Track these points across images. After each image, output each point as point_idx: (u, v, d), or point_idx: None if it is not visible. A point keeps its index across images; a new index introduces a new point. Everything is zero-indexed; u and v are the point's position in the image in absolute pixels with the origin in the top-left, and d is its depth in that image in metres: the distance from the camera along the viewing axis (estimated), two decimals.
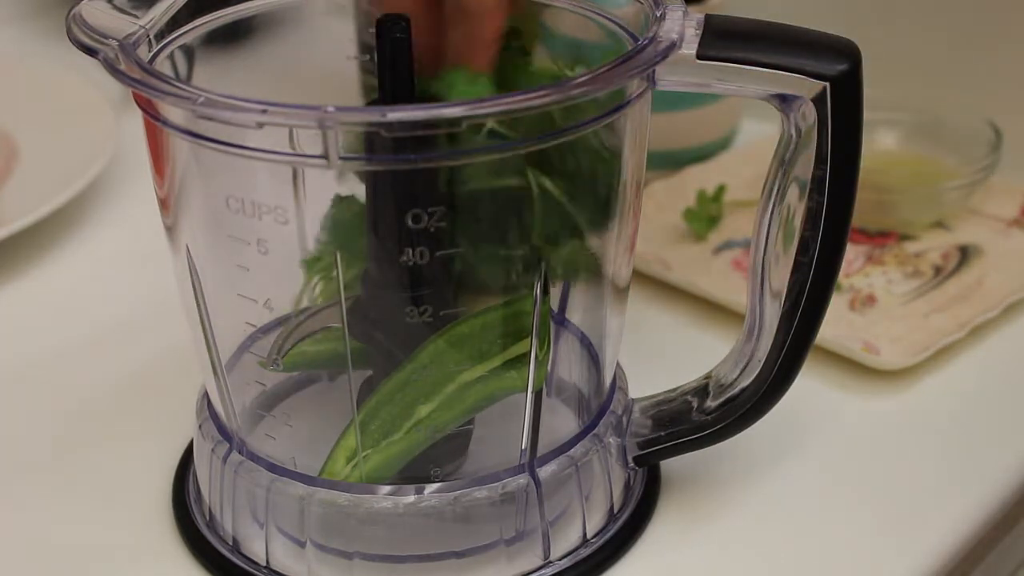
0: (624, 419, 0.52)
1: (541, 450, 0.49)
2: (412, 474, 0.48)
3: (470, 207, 0.45)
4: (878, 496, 0.54)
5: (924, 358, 0.60)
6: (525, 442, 0.48)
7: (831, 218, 0.46)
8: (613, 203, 0.47)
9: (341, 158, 0.41)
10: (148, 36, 0.46)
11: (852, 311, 0.64)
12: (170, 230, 0.48)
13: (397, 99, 0.45)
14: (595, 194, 0.47)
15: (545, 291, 0.46)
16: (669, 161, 0.76)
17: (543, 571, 0.50)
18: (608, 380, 0.52)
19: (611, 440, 0.51)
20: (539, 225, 0.46)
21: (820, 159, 0.45)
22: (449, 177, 0.44)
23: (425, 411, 0.47)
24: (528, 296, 0.46)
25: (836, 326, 0.62)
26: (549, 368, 0.49)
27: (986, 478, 0.55)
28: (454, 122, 0.40)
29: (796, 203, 0.46)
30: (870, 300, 0.65)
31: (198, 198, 0.47)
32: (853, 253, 0.68)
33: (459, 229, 0.45)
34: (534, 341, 0.47)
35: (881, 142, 0.74)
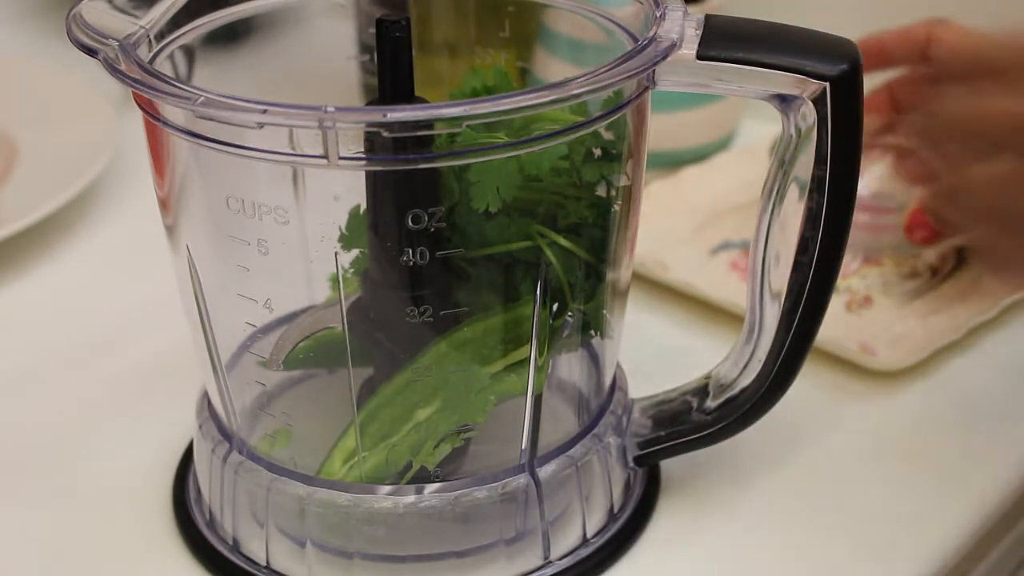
0: (624, 419, 0.52)
1: (541, 450, 0.49)
2: (412, 474, 0.48)
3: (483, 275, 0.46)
4: (876, 495, 0.54)
5: (921, 359, 0.60)
6: (525, 442, 0.48)
7: (831, 218, 0.46)
8: (614, 220, 0.48)
9: (341, 158, 0.41)
10: (148, 36, 0.46)
11: (849, 312, 0.65)
12: (170, 230, 0.48)
13: (397, 99, 0.45)
14: (604, 235, 0.48)
15: (545, 297, 0.46)
16: (668, 161, 0.76)
17: (543, 571, 0.50)
18: (608, 380, 0.52)
19: (611, 440, 0.51)
20: (562, 278, 0.46)
21: (820, 159, 0.45)
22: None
23: (424, 415, 0.47)
24: (528, 302, 0.46)
25: (833, 327, 0.62)
26: (549, 369, 0.49)
27: (985, 478, 0.55)
28: (453, 122, 0.40)
29: (796, 203, 0.46)
30: (867, 301, 0.65)
31: (198, 198, 0.47)
32: (850, 253, 0.68)
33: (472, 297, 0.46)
34: (534, 347, 0.47)
35: None
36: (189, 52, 0.49)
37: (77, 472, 0.56)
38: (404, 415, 0.47)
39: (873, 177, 0.68)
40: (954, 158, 0.56)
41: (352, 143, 0.41)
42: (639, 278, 0.66)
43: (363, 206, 0.46)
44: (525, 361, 0.47)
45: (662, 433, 0.51)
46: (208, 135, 0.42)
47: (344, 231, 0.47)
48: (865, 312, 0.65)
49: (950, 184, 0.57)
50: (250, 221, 0.44)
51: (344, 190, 0.47)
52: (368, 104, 0.46)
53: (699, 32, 0.44)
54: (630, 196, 0.48)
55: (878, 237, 0.69)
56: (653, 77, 0.44)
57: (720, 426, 0.51)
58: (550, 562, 0.50)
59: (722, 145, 0.79)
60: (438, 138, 0.42)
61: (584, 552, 0.50)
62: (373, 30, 0.45)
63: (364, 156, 0.42)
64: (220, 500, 0.50)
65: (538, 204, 0.46)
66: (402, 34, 0.44)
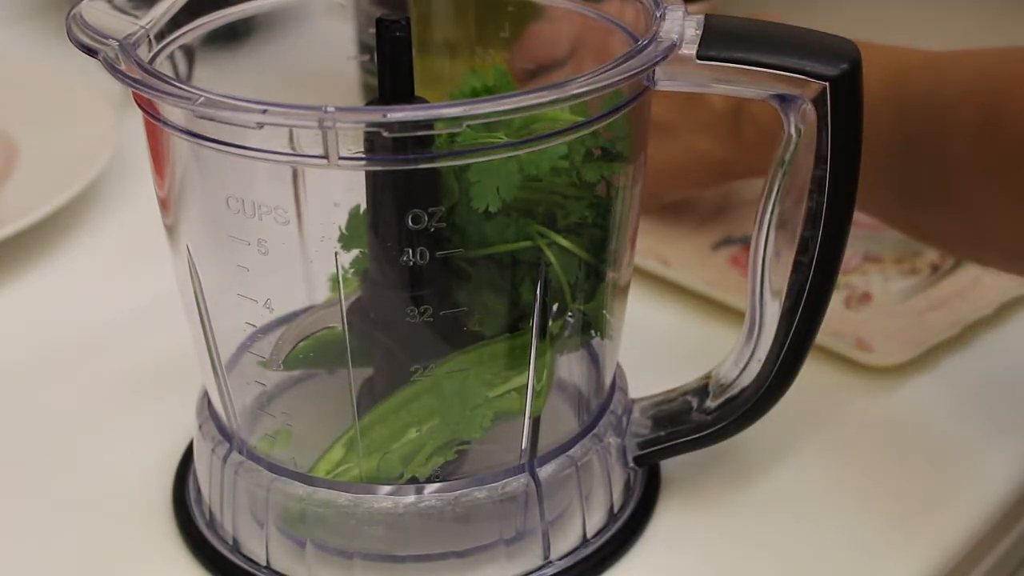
0: (624, 419, 0.52)
1: (541, 450, 0.49)
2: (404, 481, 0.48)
3: (482, 275, 0.46)
4: (876, 494, 0.54)
5: (917, 355, 0.60)
6: (525, 442, 0.48)
7: (831, 218, 0.46)
8: (615, 213, 0.48)
9: (341, 158, 0.41)
10: (148, 36, 0.46)
11: (847, 308, 0.65)
12: (170, 230, 0.48)
13: (397, 99, 0.45)
14: (604, 235, 0.48)
15: (545, 297, 0.46)
16: None
17: (543, 571, 0.50)
18: (608, 380, 0.52)
19: (611, 440, 0.51)
20: (561, 278, 0.46)
21: (820, 159, 0.45)
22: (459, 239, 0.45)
23: (415, 434, 0.47)
24: (527, 332, 0.46)
25: (831, 323, 0.61)
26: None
27: (982, 477, 0.55)
28: (453, 122, 0.40)
29: (796, 203, 0.46)
30: (865, 298, 0.65)
31: (198, 198, 0.47)
32: (851, 251, 0.68)
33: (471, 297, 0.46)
34: (531, 375, 0.47)
35: None
36: (189, 52, 0.49)
37: (77, 472, 0.56)
38: (397, 434, 0.47)
39: None
40: None
41: (352, 143, 0.41)
42: (640, 273, 0.66)
43: (363, 206, 0.46)
44: (525, 387, 0.47)
45: (662, 433, 0.51)
46: (208, 135, 0.42)
47: (344, 231, 0.47)
48: (863, 308, 0.65)
49: None
50: (250, 221, 0.44)
51: (344, 191, 0.47)
52: (368, 104, 0.46)
53: (699, 32, 0.44)
54: (630, 196, 0.48)
55: (878, 236, 0.69)
56: (653, 77, 0.44)
57: (720, 426, 0.51)
58: (550, 562, 0.50)
59: None
60: (438, 138, 0.42)
61: (584, 552, 0.50)
62: (373, 30, 0.45)
63: (364, 156, 0.42)
64: (220, 500, 0.50)
65: (538, 204, 0.46)
66: (402, 34, 0.44)
